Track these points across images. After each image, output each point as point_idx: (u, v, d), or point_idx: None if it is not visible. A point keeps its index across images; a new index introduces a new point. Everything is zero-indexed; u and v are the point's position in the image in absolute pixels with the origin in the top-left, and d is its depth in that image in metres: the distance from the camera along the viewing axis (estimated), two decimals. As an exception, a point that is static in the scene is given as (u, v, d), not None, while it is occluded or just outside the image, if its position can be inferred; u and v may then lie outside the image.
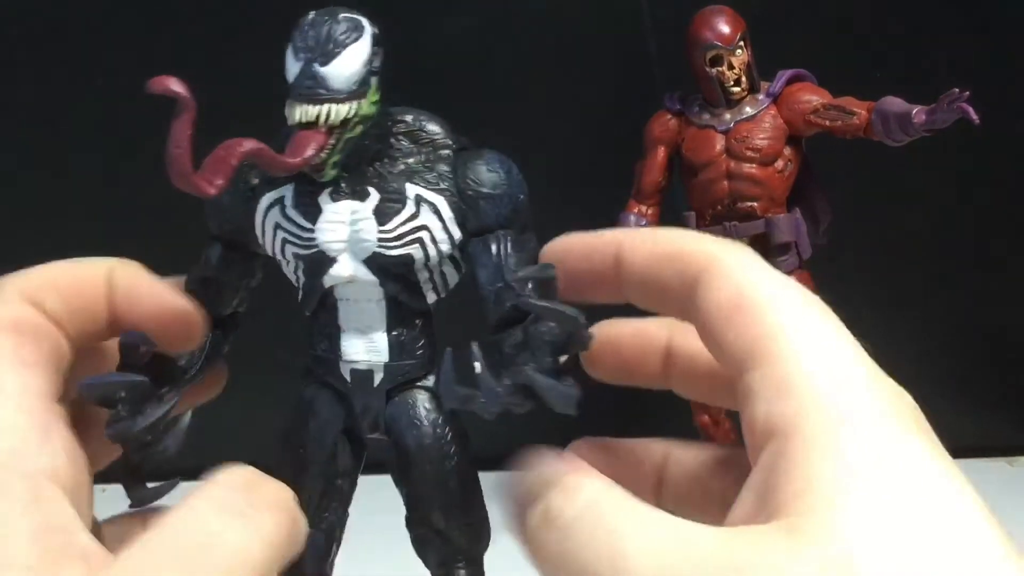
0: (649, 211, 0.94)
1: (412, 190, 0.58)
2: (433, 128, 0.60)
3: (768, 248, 0.90)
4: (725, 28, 0.88)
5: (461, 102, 1.14)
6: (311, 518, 0.59)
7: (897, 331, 1.25)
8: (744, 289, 0.42)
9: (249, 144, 0.52)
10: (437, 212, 0.58)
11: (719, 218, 0.90)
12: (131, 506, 0.51)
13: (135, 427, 0.51)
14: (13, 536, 0.40)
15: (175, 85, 0.50)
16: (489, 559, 0.64)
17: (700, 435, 0.95)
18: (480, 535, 0.63)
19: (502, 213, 0.59)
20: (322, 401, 0.62)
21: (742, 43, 0.88)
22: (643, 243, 0.47)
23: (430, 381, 0.61)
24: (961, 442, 1.33)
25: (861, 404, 0.38)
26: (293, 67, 0.55)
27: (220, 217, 0.60)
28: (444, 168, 0.59)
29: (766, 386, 0.40)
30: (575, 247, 0.50)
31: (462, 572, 0.63)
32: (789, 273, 0.90)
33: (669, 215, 0.95)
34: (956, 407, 1.25)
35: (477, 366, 0.54)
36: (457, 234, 0.58)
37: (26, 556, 0.40)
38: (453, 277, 0.61)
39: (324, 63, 0.55)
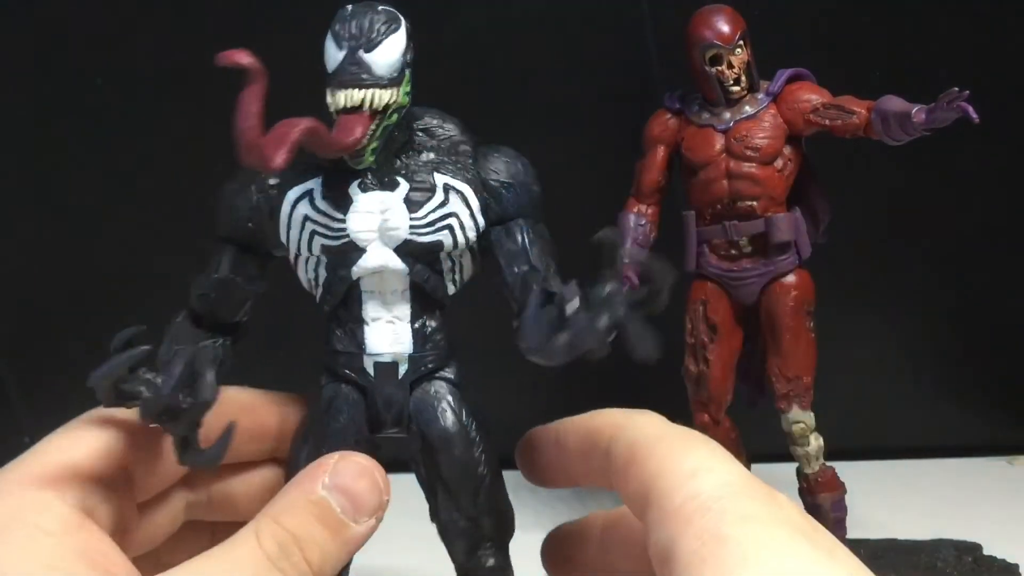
0: (649, 210, 0.94)
1: (440, 179, 0.61)
2: (450, 125, 0.64)
3: (768, 247, 0.90)
4: (725, 27, 0.88)
5: (461, 102, 1.14)
6: None
7: (897, 331, 1.25)
8: (634, 445, 0.49)
9: (307, 122, 0.54)
10: (465, 200, 0.61)
11: (719, 217, 0.90)
12: (185, 463, 0.57)
13: (152, 400, 0.54)
14: (64, 551, 0.48)
15: (243, 57, 0.52)
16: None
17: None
18: (507, 523, 0.65)
19: (521, 203, 0.62)
20: (343, 400, 0.62)
21: (742, 42, 0.88)
22: (572, 427, 0.56)
23: (450, 372, 0.63)
24: (961, 442, 1.33)
25: (728, 520, 0.43)
26: (336, 55, 0.57)
27: (239, 218, 0.62)
28: (467, 161, 0.62)
29: (653, 521, 0.46)
30: (535, 440, 0.62)
31: (491, 559, 0.64)
32: (789, 272, 0.91)
33: (669, 214, 0.95)
34: (956, 407, 1.25)
35: (576, 302, 0.56)
36: (481, 222, 0.62)
37: (74, 568, 0.47)
38: (468, 269, 0.63)
39: (368, 50, 0.57)
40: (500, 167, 0.62)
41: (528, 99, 1.15)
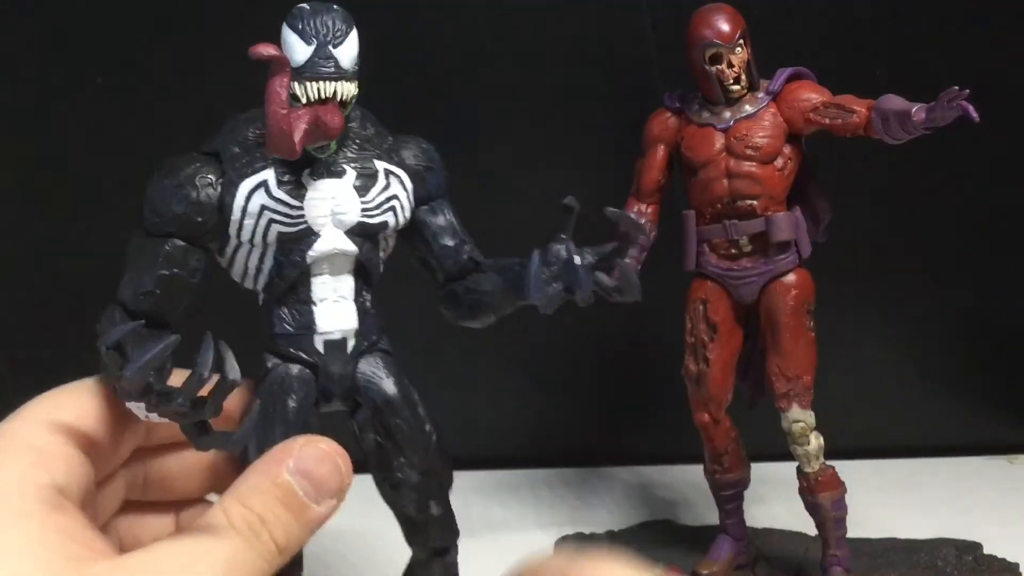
0: (649, 209, 0.94)
1: (380, 165, 0.68)
2: (370, 120, 0.70)
3: (768, 246, 0.90)
4: (725, 26, 0.88)
5: (462, 101, 1.14)
6: None
7: (897, 331, 1.25)
8: None
9: (311, 113, 0.62)
10: (402, 183, 0.69)
11: (718, 216, 0.90)
12: (203, 448, 0.58)
13: (172, 405, 0.55)
14: (48, 529, 0.51)
15: (270, 49, 0.60)
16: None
17: (700, 434, 0.95)
18: (449, 475, 0.73)
19: (440, 183, 0.72)
20: (293, 380, 0.67)
21: (742, 41, 0.88)
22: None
23: (384, 344, 0.70)
24: (961, 442, 1.33)
25: None
26: (304, 50, 0.62)
27: (184, 213, 0.65)
28: (393, 149, 0.70)
29: None
30: None
31: (438, 509, 0.72)
32: (789, 271, 0.91)
33: (669, 214, 0.95)
34: (956, 407, 1.25)
35: (577, 259, 0.67)
36: (412, 203, 0.70)
37: (60, 543, 0.51)
38: (390, 249, 0.72)
39: (336, 45, 0.63)
40: (418, 152, 0.71)
41: (528, 99, 1.15)
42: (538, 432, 1.25)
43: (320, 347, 0.67)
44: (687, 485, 1.16)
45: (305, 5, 0.64)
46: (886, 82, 0.86)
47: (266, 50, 0.59)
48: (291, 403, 0.66)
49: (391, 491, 0.70)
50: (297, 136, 0.61)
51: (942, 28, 1.14)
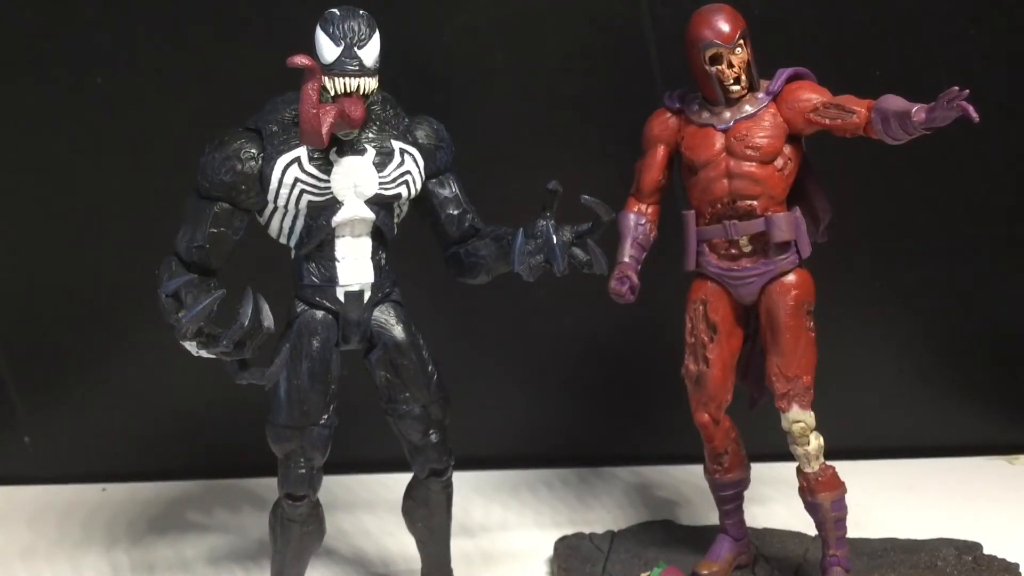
0: (649, 209, 0.94)
1: (396, 145, 0.79)
2: (390, 103, 0.83)
3: (768, 246, 0.90)
4: (725, 26, 0.88)
5: (462, 101, 1.14)
6: (317, 417, 0.80)
7: (897, 331, 1.25)
8: None
9: (337, 109, 0.74)
10: (415, 160, 0.81)
11: (718, 216, 0.90)
12: (242, 381, 0.70)
13: (220, 347, 0.68)
14: None
15: (303, 59, 0.71)
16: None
17: (700, 434, 0.95)
18: (448, 407, 0.85)
19: (448, 159, 0.85)
20: (319, 323, 0.80)
21: (742, 41, 0.88)
22: None
23: (396, 296, 0.82)
24: (961, 441, 1.33)
25: None
26: (333, 50, 0.74)
27: (231, 181, 0.77)
28: (408, 130, 0.81)
29: None
30: None
31: (436, 436, 0.85)
32: (789, 272, 0.91)
33: (669, 214, 0.95)
34: (956, 407, 1.25)
35: (555, 236, 0.77)
36: (423, 177, 0.82)
37: None
38: (404, 215, 0.85)
39: (361, 47, 0.74)
40: (430, 132, 0.82)
41: (528, 99, 1.15)
42: (538, 432, 1.25)
43: (341, 297, 0.80)
44: (687, 485, 1.17)
45: (335, 10, 0.75)
46: (885, 82, 0.85)
47: (300, 60, 0.71)
48: (315, 343, 0.79)
49: (398, 420, 0.82)
50: (324, 130, 0.73)
51: (942, 28, 1.14)
